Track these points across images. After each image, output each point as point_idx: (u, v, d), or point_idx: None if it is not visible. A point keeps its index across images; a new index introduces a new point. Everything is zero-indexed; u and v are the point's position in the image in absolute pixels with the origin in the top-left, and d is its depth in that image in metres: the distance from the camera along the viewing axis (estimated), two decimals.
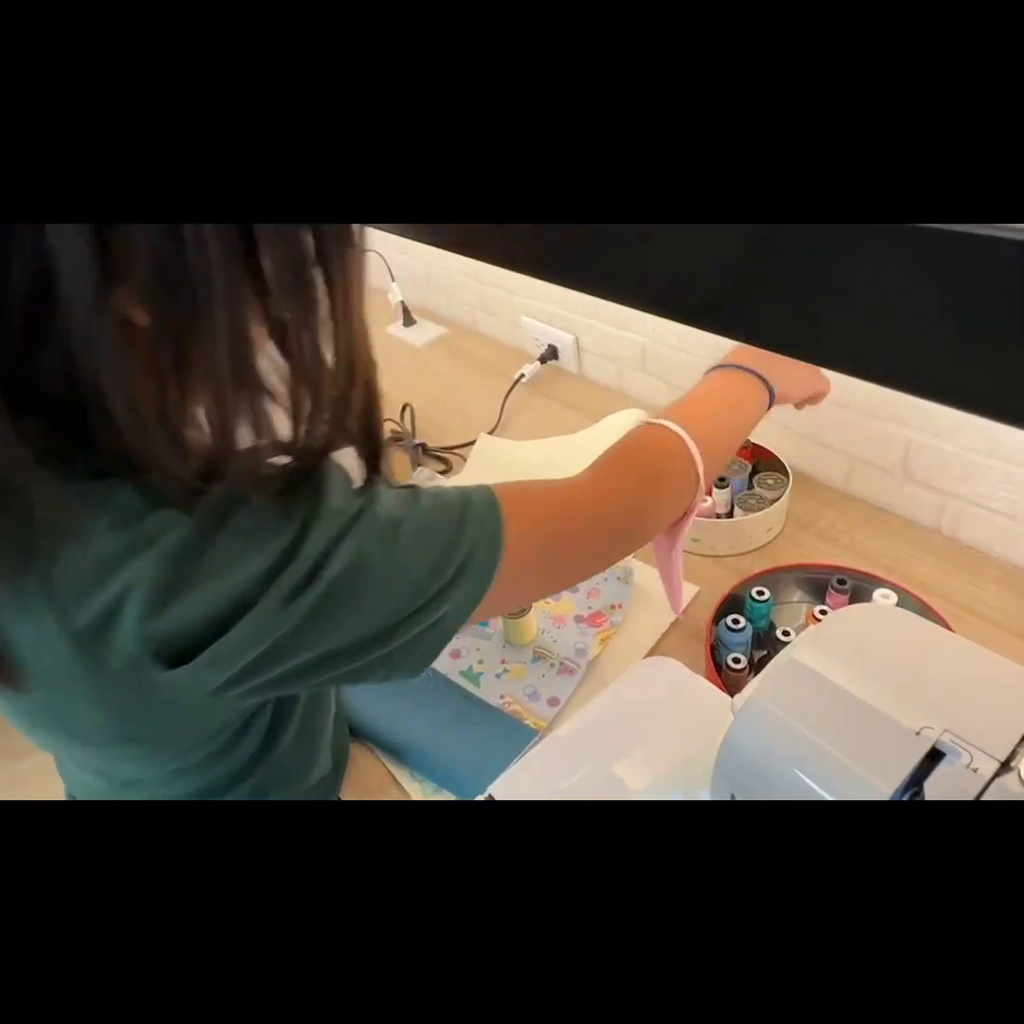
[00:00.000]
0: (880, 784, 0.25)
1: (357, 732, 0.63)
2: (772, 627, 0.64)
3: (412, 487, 0.40)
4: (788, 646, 0.32)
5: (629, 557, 0.75)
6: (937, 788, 0.24)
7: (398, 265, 1.31)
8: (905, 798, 0.26)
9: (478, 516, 0.40)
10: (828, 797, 0.26)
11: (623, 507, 0.47)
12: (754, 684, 0.31)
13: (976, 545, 0.70)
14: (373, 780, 0.61)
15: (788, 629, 0.61)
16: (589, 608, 0.71)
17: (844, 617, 0.32)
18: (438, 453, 0.97)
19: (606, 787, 0.49)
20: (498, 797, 0.49)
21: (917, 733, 0.25)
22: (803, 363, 0.50)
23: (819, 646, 0.30)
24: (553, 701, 0.63)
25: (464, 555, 0.38)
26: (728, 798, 0.29)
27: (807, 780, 0.26)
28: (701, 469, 0.48)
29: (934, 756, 0.25)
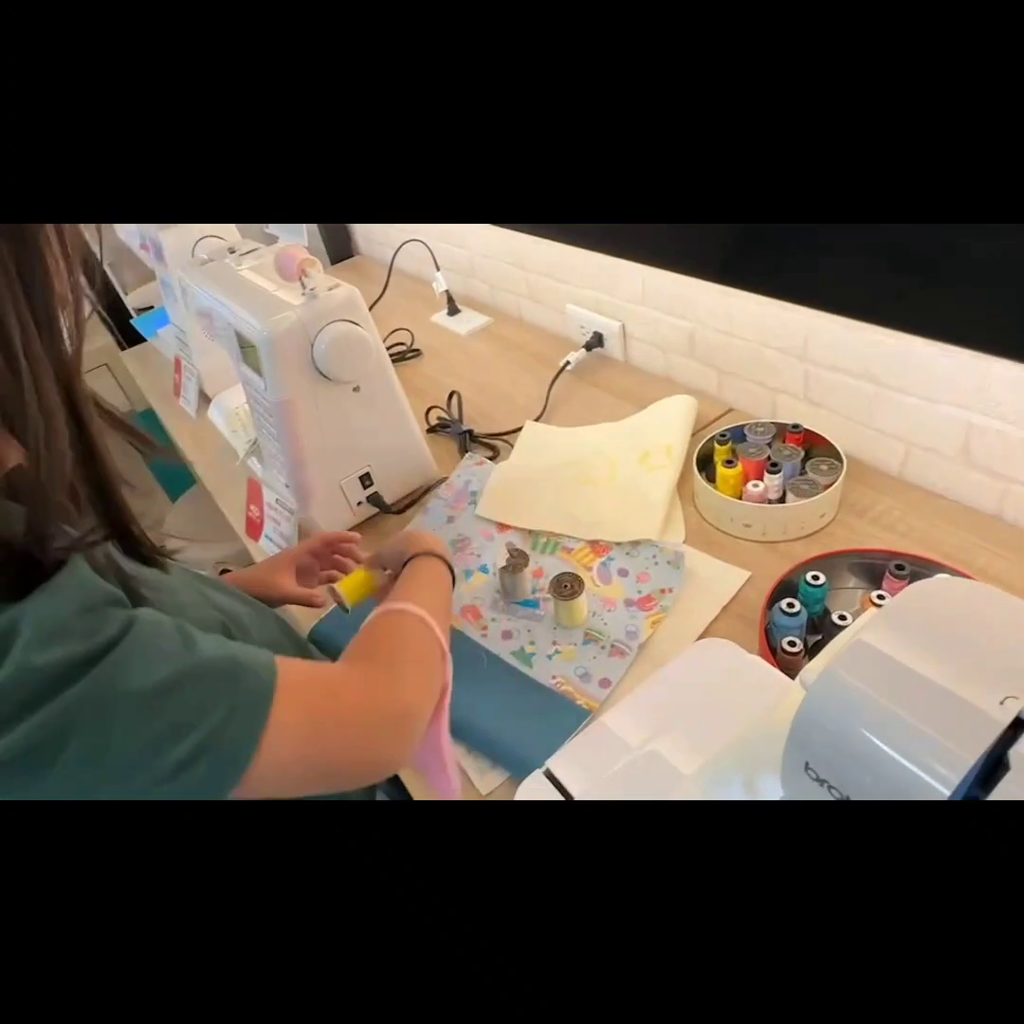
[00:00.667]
0: (964, 753, 0.25)
1: None
2: (826, 612, 0.63)
3: (187, 635, 0.36)
4: (857, 622, 0.32)
5: (680, 543, 0.76)
6: (1023, 757, 0.24)
7: (442, 254, 1.32)
8: (986, 768, 0.26)
9: (247, 695, 0.37)
10: (909, 766, 0.26)
11: (391, 692, 0.46)
12: (822, 658, 0.32)
13: None
14: None
15: (845, 613, 0.61)
16: (639, 592, 0.71)
17: (914, 593, 0.32)
18: (485, 439, 0.98)
19: (661, 767, 0.49)
20: (555, 772, 0.50)
21: (1001, 703, 0.25)
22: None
23: (891, 622, 0.30)
24: (604, 682, 0.64)
25: (208, 733, 0.35)
26: (802, 769, 0.30)
27: (887, 749, 0.26)
28: (445, 643, 0.50)
29: (1017, 726, 0.25)
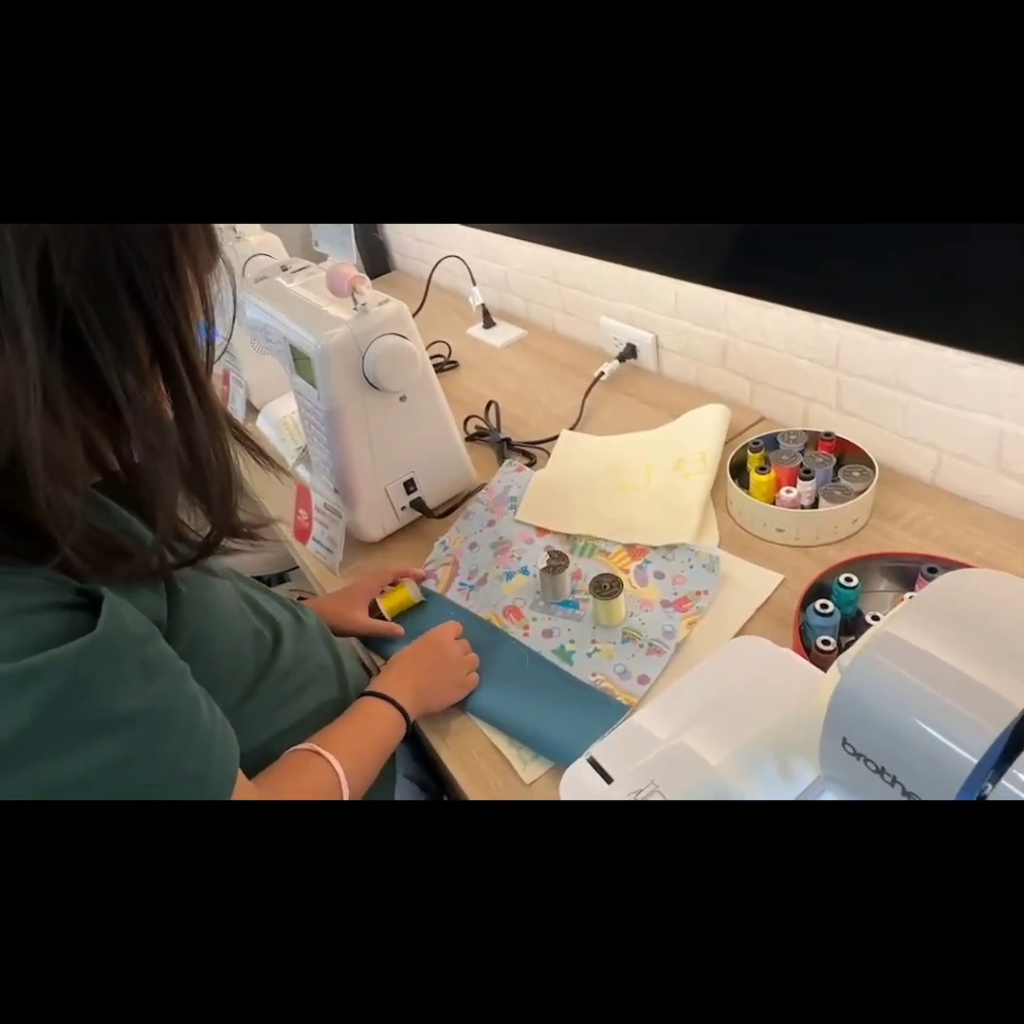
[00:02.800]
0: (989, 726, 0.27)
1: (460, 706, 0.68)
2: (859, 613, 0.65)
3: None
4: (889, 615, 0.34)
5: (715, 546, 0.78)
6: None
7: (479, 270, 1.36)
8: (1011, 743, 0.28)
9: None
10: (939, 738, 0.28)
11: None
12: (858, 647, 0.34)
13: None
14: (474, 745, 0.65)
15: (877, 614, 0.63)
16: (675, 594, 0.73)
17: (943, 584, 0.34)
18: (523, 447, 1.02)
19: (693, 755, 0.51)
20: (598, 759, 0.53)
21: None
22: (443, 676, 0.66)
23: (922, 611, 0.32)
24: (643, 679, 0.66)
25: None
26: (840, 744, 0.32)
27: (920, 723, 0.29)
28: (346, 785, 0.53)
29: None
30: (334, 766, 0.53)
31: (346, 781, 0.53)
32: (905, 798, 0.30)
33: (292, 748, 0.55)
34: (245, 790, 0.46)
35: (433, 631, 0.71)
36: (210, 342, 0.42)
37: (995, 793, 0.27)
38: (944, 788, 0.28)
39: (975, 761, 0.27)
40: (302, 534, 0.95)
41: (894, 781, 0.30)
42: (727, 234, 0.85)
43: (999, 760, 0.29)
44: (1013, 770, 0.27)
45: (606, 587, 0.70)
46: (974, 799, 0.29)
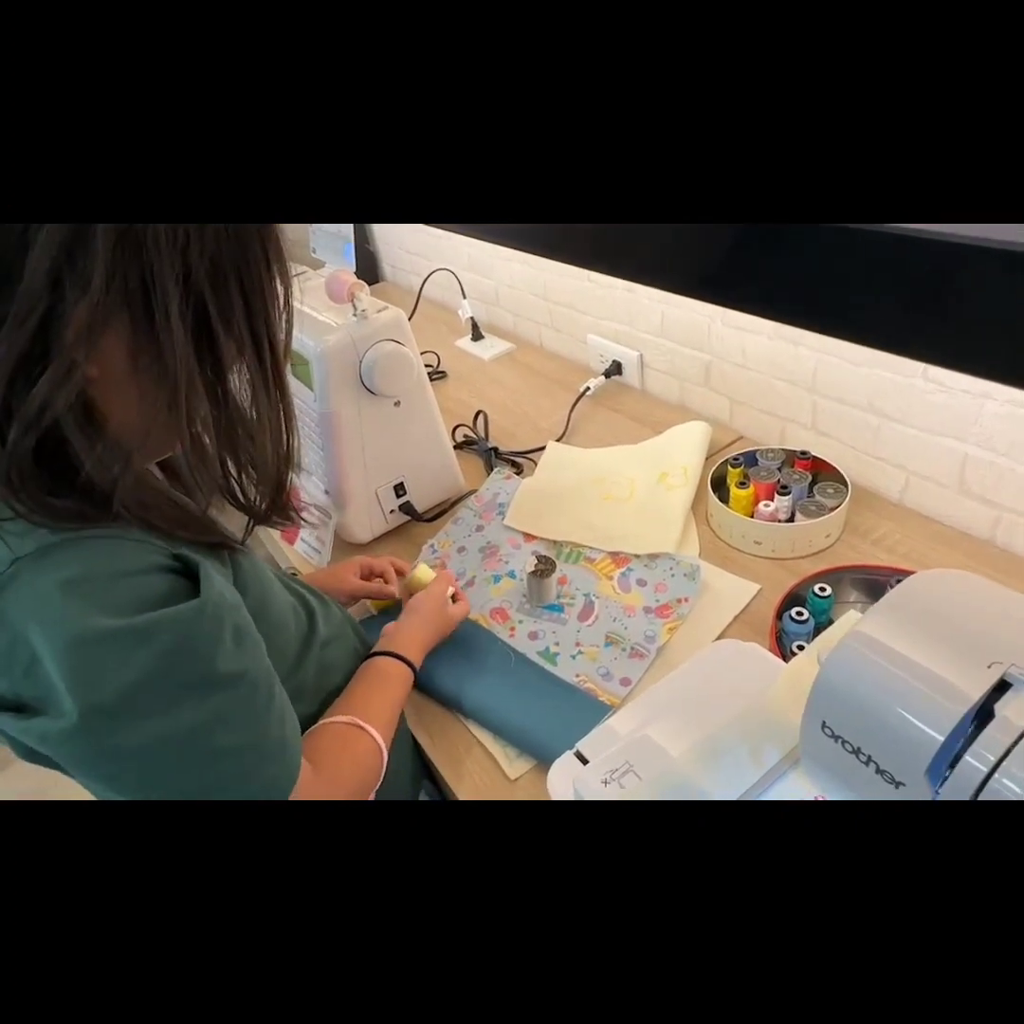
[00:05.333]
0: (956, 707, 0.30)
1: (444, 702, 0.70)
2: (831, 622, 0.68)
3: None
4: (865, 613, 0.37)
5: (695, 556, 0.81)
6: (1007, 708, 0.29)
7: (469, 284, 1.40)
8: (978, 720, 0.31)
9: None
10: (912, 720, 0.31)
11: (345, 793, 0.53)
12: (837, 641, 0.37)
13: None
14: (460, 742, 0.67)
15: None
16: (657, 601, 0.76)
17: (910, 585, 0.37)
18: (510, 457, 1.04)
19: (654, 745, 0.52)
20: (584, 753, 0.55)
21: (987, 667, 0.30)
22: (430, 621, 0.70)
23: (894, 609, 0.35)
24: (625, 681, 0.68)
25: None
26: (819, 728, 0.35)
27: (893, 705, 0.32)
28: (384, 746, 0.57)
29: (1001, 687, 0.30)
30: (376, 738, 0.56)
31: (385, 750, 0.57)
32: (878, 776, 0.33)
33: (329, 720, 0.57)
34: (304, 767, 0.48)
35: (433, 589, 0.73)
36: (288, 336, 0.47)
37: (959, 770, 0.30)
38: (914, 766, 0.31)
39: (941, 739, 0.30)
40: (290, 535, 0.96)
41: (869, 760, 0.33)
42: (717, 242, 0.89)
43: (970, 735, 0.31)
44: (976, 747, 0.29)
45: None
46: (940, 779, 0.32)
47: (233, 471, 0.46)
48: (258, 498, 0.48)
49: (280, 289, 0.44)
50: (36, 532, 0.38)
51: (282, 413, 0.47)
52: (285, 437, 0.47)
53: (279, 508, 0.50)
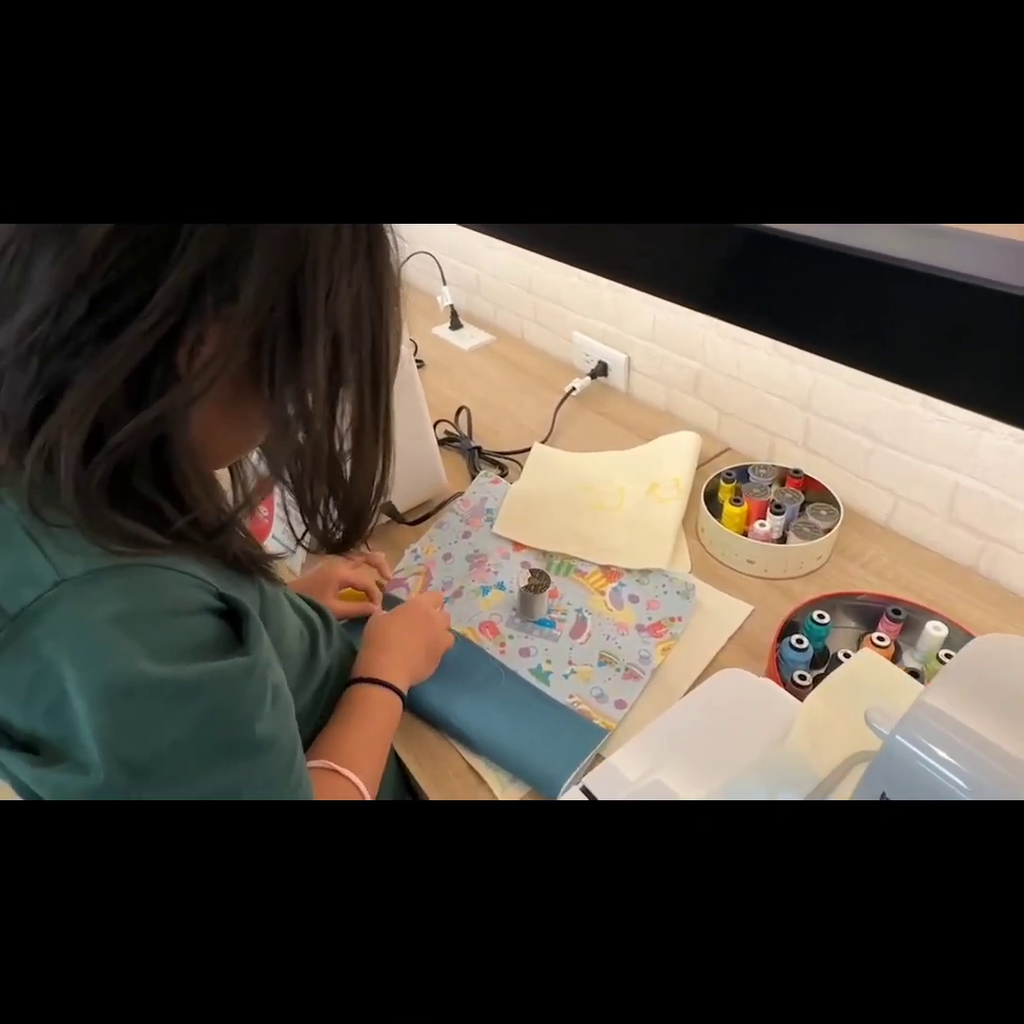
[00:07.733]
0: None
1: (431, 721, 0.66)
2: (826, 649, 0.68)
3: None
4: (929, 684, 0.35)
5: (687, 573, 0.80)
6: None
7: (450, 269, 1.34)
8: None
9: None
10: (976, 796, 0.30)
11: None
12: (903, 712, 0.35)
13: (1013, 588, 0.76)
14: (450, 767, 0.64)
15: (848, 652, 0.66)
16: (650, 619, 0.74)
17: (972, 652, 0.36)
18: (493, 457, 1.01)
19: (681, 793, 0.52)
20: (591, 789, 0.53)
21: None
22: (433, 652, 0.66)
23: (958, 679, 0.34)
24: (620, 704, 0.67)
25: None
26: (877, 796, 0.33)
27: (964, 786, 0.30)
28: (366, 789, 0.54)
29: None
30: (352, 781, 0.52)
31: (366, 790, 0.53)
32: None
33: (308, 763, 0.52)
34: None
35: (418, 602, 0.70)
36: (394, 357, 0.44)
37: None
38: None
39: None
40: (261, 532, 0.90)
41: None
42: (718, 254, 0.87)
43: None
44: None
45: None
46: None
47: (320, 503, 0.43)
48: (335, 529, 0.45)
49: (403, 326, 0.42)
50: (88, 551, 0.34)
51: (382, 450, 0.44)
52: (380, 474, 0.45)
53: (355, 539, 0.47)
